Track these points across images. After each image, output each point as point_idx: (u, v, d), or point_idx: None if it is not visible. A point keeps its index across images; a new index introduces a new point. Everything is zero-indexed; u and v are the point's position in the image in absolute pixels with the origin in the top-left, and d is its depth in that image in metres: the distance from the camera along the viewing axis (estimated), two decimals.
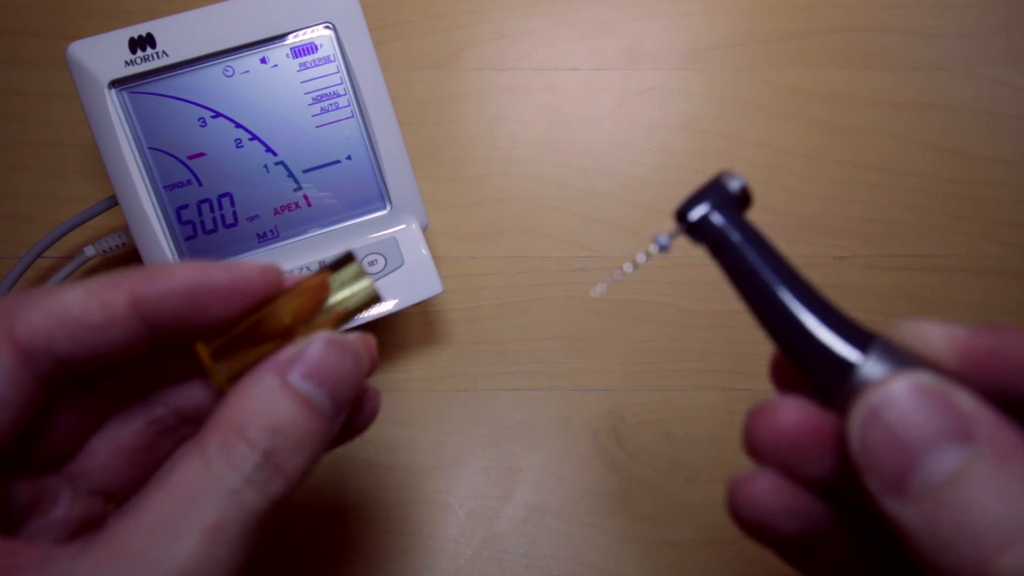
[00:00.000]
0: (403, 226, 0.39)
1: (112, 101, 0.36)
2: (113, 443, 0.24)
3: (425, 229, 0.40)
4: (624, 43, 0.49)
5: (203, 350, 0.22)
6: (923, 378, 0.17)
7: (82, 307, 0.20)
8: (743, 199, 0.22)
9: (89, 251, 0.41)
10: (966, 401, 0.17)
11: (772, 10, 0.49)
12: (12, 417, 0.20)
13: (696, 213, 0.21)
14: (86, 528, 0.23)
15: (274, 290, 0.22)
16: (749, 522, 0.20)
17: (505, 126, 0.47)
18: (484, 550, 0.40)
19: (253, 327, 0.22)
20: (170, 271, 0.21)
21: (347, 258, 0.23)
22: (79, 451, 0.24)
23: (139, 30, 0.36)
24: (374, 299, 0.23)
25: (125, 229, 0.40)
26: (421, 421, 0.42)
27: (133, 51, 0.35)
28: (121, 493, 0.24)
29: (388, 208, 0.39)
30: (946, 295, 0.45)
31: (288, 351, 0.21)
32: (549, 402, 0.43)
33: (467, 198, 0.46)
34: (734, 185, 0.22)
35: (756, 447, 0.20)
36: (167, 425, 0.25)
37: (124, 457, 0.24)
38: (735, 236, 0.21)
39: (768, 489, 0.20)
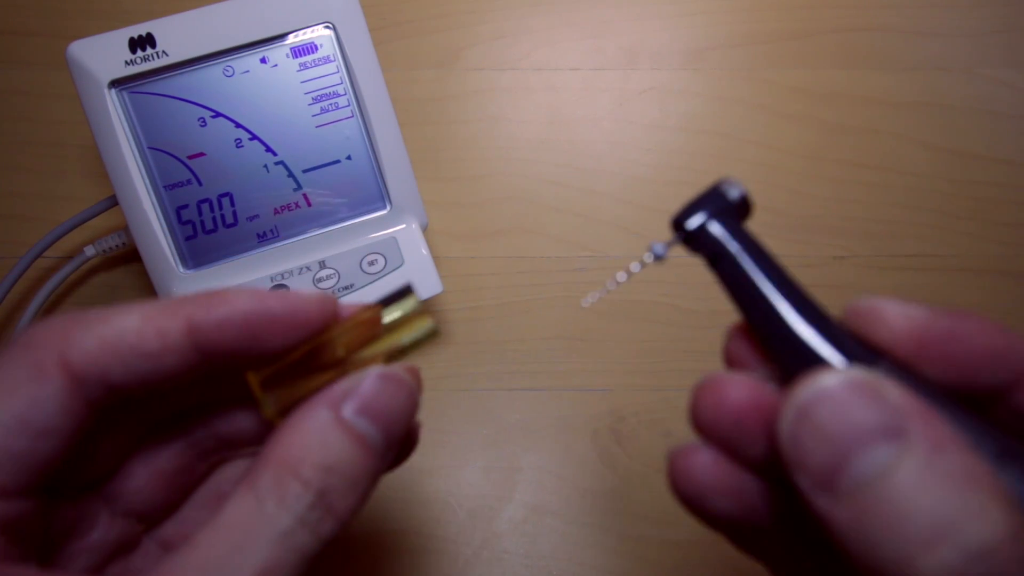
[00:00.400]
0: (403, 226, 0.39)
1: (112, 101, 0.36)
2: (151, 465, 0.24)
3: (425, 229, 0.40)
4: (624, 43, 0.49)
5: (254, 380, 0.21)
6: (853, 374, 0.17)
7: (138, 334, 0.20)
8: (743, 208, 0.21)
9: (89, 251, 0.41)
10: (896, 395, 0.16)
11: (772, 10, 0.49)
12: (62, 444, 0.19)
13: (693, 222, 0.21)
14: (121, 551, 0.23)
15: (330, 321, 0.22)
16: (685, 496, 0.20)
17: (505, 126, 0.47)
18: (484, 550, 0.40)
19: (305, 357, 0.22)
20: (228, 299, 0.21)
21: (406, 291, 0.23)
22: (117, 472, 0.23)
23: (139, 30, 0.36)
24: (431, 333, 0.23)
25: (125, 229, 0.40)
26: (421, 421, 0.42)
27: (133, 51, 0.35)
28: (156, 514, 0.24)
29: (388, 208, 0.39)
30: (946, 295, 0.45)
31: (341, 385, 0.21)
32: (549, 402, 0.43)
33: (467, 198, 0.46)
34: (733, 193, 0.21)
35: (700, 423, 0.20)
36: (205, 448, 0.25)
37: (161, 479, 0.24)
38: (733, 246, 0.20)
39: (705, 464, 0.20)
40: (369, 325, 0.22)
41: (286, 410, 0.21)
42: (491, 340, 0.43)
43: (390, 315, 0.23)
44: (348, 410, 0.20)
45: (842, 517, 0.16)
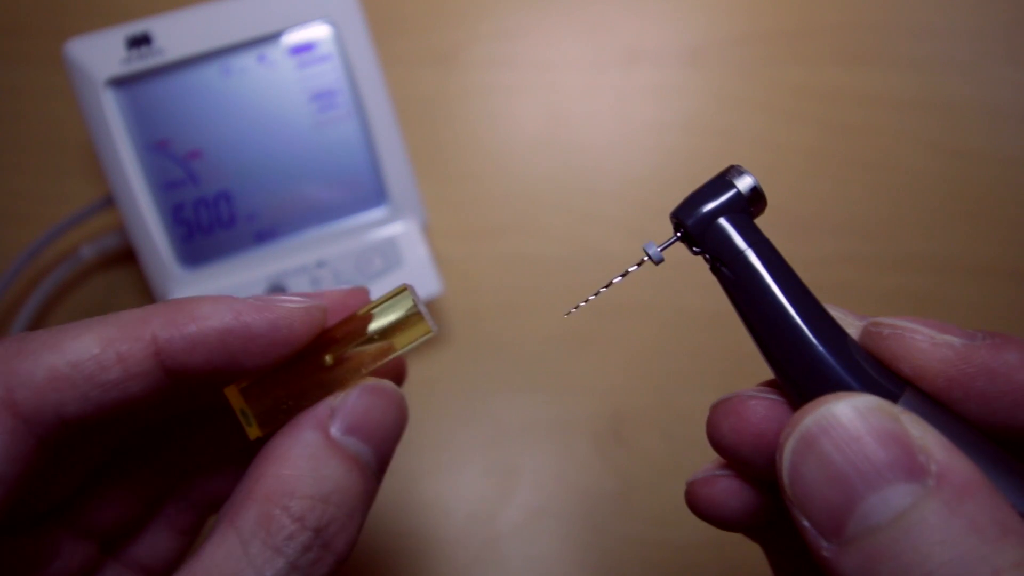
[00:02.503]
0: (402, 225, 0.39)
1: (109, 99, 0.35)
2: (114, 484, 0.22)
3: (425, 228, 0.39)
4: (624, 41, 0.49)
5: (233, 394, 0.19)
6: (868, 400, 0.15)
7: (96, 361, 0.17)
8: (754, 201, 0.18)
9: (85, 251, 0.40)
10: (919, 429, 0.14)
11: (772, 8, 0.49)
12: (8, 489, 0.17)
13: (696, 217, 0.18)
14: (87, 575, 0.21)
15: (318, 332, 0.19)
16: (709, 520, 0.20)
17: (505, 124, 0.47)
18: (484, 552, 0.40)
19: (289, 365, 0.20)
20: (199, 312, 0.18)
21: (402, 291, 0.21)
22: (78, 496, 0.21)
23: (136, 28, 0.35)
24: (425, 332, 0.21)
25: (121, 228, 0.40)
26: (420, 422, 0.42)
27: (130, 49, 0.35)
28: (122, 534, 0.22)
29: (387, 207, 0.39)
30: (946, 295, 0.45)
31: (326, 403, 0.19)
32: (549, 403, 0.42)
33: (467, 197, 0.46)
34: (744, 184, 0.18)
35: (720, 444, 0.19)
36: (174, 462, 0.23)
37: (126, 497, 0.22)
38: (742, 247, 0.18)
39: (726, 491, 0.19)
40: (359, 325, 0.20)
41: (270, 426, 0.19)
42: (491, 340, 0.43)
43: (384, 318, 0.20)
44: (337, 429, 0.18)
45: (848, 566, 0.14)
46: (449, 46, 0.48)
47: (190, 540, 0.24)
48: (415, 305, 0.20)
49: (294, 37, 0.37)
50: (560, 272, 0.44)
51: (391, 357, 0.20)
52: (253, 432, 0.19)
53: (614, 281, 0.20)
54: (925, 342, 0.17)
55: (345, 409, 0.19)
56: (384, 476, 0.19)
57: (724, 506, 0.19)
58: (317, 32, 0.37)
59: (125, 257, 0.43)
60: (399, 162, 0.38)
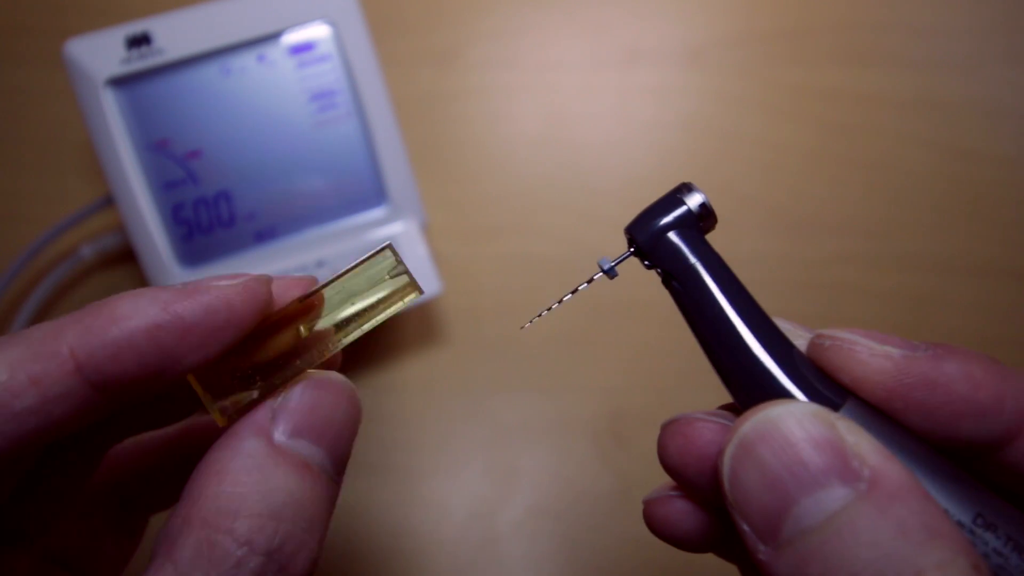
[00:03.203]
0: (402, 225, 0.39)
1: (108, 99, 0.35)
2: (75, 505, 0.20)
3: (424, 228, 0.40)
4: (624, 41, 0.49)
5: (195, 381, 0.17)
6: (805, 407, 0.15)
7: (5, 390, 0.15)
8: (704, 218, 0.19)
9: (85, 251, 0.40)
10: (852, 436, 0.15)
11: (771, 7, 0.49)
12: None
13: (647, 233, 0.19)
14: None
15: (264, 309, 0.18)
16: (666, 539, 0.19)
17: (505, 124, 0.47)
18: (483, 551, 0.40)
19: (257, 339, 0.18)
20: (118, 312, 0.16)
21: (382, 250, 0.19)
22: (35, 520, 0.19)
23: (136, 27, 0.35)
24: (411, 293, 0.19)
25: (121, 228, 0.40)
26: (420, 422, 0.42)
27: (130, 49, 0.35)
28: (87, 556, 0.21)
29: (387, 207, 0.39)
30: (946, 295, 0.45)
31: (267, 404, 0.17)
32: (548, 402, 0.42)
33: (467, 197, 0.46)
34: (694, 201, 0.19)
35: (668, 465, 0.19)
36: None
37: (89, 519, 0.20)
38: (691, 262, 0.18)
39: (680, 512, 0.19)
40: (338, 294, 0.19)
41: (243, 413, 0.17)
42: (490, 340, 0.43)
43: (365, 280, 0.19)
44: (281, 433, 0.16)
45: (781, 569, 0.14)
46: (449, 46, 0.48)
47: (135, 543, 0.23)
48: (399, 263, 0.19)
49: (294, 37, 0.37)
50: (560, 272, 0.44)
51: (375, 322, 0.19)
52: (224, 422, 0.17)
53: (580, 288, 0.20)
54: (864, 353, 0.17)
55: (288, 409, 0.17)
56: (343, 477, 0.18)
57: (677, 527, 0.19)
58: (317, 32, 0.37)
59: (125, 257, 0.43)
60: (399, 162, 0.38)
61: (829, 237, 0.45)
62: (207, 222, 0.37)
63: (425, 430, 0.42)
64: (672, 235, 0.19)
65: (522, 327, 0.21)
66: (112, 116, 0.35)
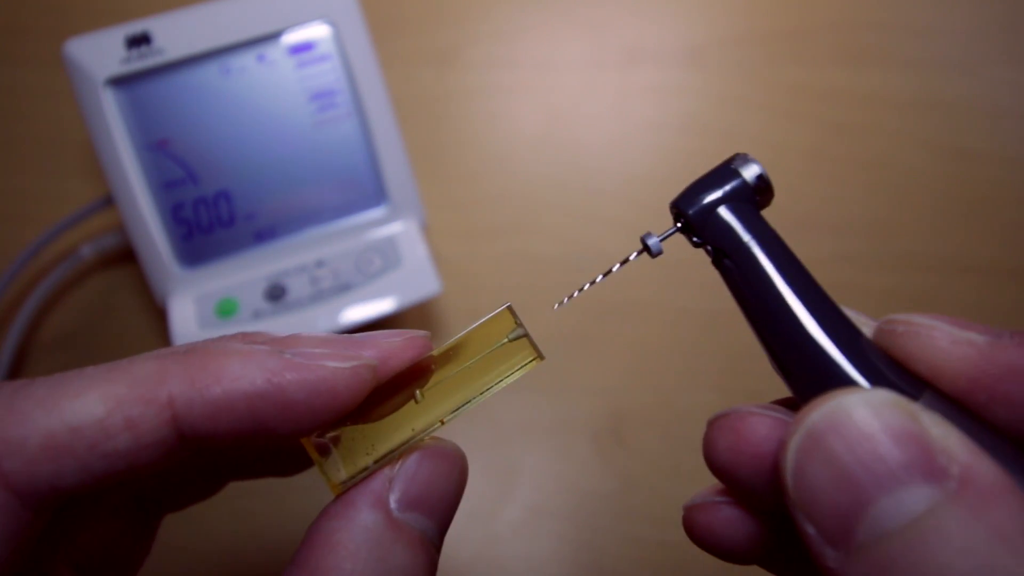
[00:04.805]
0: (402, 225, 0.39)
1: (108, 99, 0.35)
2: (102, 531, 0.20)
3: (424, 228, 0.39)
4: (624, 41, 0.49)
5: (310, 444, 0.17)
6: (883, 395, 0.13)
7: (101, 427, 0.14)
8: (761, 191, 0.17)
9: (85, 251, 0.40)
10: (938, 428, 0.13)
11: (771, 7, 0.49)
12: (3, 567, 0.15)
13: (697, 207, 0.17)
14: None
15: (367, 392, 0.17)
16: (709, 549, 0.18)
17: (505, 124, 0.47)
18: (483, 551, 0.40)
19: (373, 403, 0.17)
20: (226, 372, 0.15)
21: (504, 316, 0.18)
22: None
23: (136, 27, 0.35)
24: (530, 359, 0.18)
25: (121, 228, 0.40)
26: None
27: (130, 48, 0.35)
28: (95, 558, 0.21)
29: (386, 207, 0.39)
30: (945, 295, 0.45)
31: (383, 474, 0.17)
32: (548, 402, 0.42)
33: (467, 197, 0.46)
34: (750, 172, 0.17)
35: (716, 464, 0.17)
36: (167, 504, 0.21)
37: (114, 543, 0.20)
38: (747, 239, 0.16)
39: (727, 520, 0.17)
40: (428, 369, 0.18)
41: (356, 478, 0.17)
42: None
43: (483, 343, 0.18)
44: (398, 505, 0.16)
45: None
46: (449, 46, 0.48)
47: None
48: (518, 326, 0.18)
49: (293, 37, 0.37)
50: (559, 271, 0.44)
51: (493, 390, 0.18)
52: (337, 487, 0.17)
53: (613, 269, 0.18)
54: (944, 340, 0.15)
55: (406, 480, 0.16)
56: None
57: (724, 536, 0.17)
58: (316, 32, 0.37)
59: (125, 257, 0.43)
60: (398, 162, 0.38)
61: (828, 237, 0.45)
62: (207, 222, 0.37)
63: None
64: (724, 209, 0.17)
65: (555, 307, 0.19)
66: (112, 116, 0.35)
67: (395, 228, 0.38)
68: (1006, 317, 0.44)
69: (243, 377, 0.15)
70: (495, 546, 0.40)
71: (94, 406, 0.15)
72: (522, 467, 0.41)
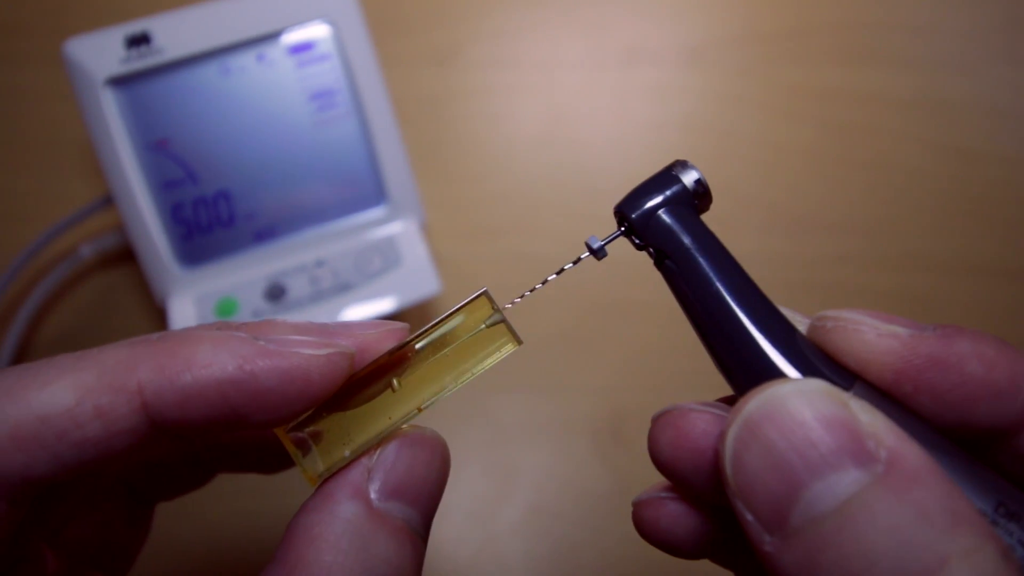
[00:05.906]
0: (401, 225, 0.39)
1: (108, 99, 0.35)
2: (93, 522, 0.20)
3: (424, 228, 0.39)
4: (624, 41, 0.49)
5: (285, 436, 0.17)
6: (815, 384, 0.14)
7: (70, 416, 0.14)
8: (699, 196, 0.18)
9: (85, 250, 0.40)
10: (867, 415, 0.13)
11: (770, 8, 0.49)
12: None
13: (639, 211, 0.18)
14: None
15: (342, 379, 0.17)
16: (658, 545, 0.18)
17: (505, 124, 0.47)
18: (483, 551, 0.40)
19: (349, 393, 0.17)
20: (196, 359, 0.15)
21: (480, 299, 0.18)
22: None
23: (136, 27, 0.35)
24: (507, 345, 0.18)
25: (120, 228, 0.40)
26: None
27: (129, 48, 0.35)
28: (109, 560, 0.21)
29: (386, 206, 0.39)
30: (945, 295, 0.44)
31: (362, 463, 0.16)
32: (548, 402, 0.42)
33: (467, 197, 0.46)
34: (688, 178, 0.18)
35: (659, 460, 0.17)
36: (152, 494, 0.21)
37: (106, 533, 0.20)
38: (686, 241, 0.17)
39: (673, 515, 0.17)
40: (405, 357, 0.18)
41: (332, 470, 0.17)
42: None
43: (459, 330, 0.18)
44: (378, 494, 0.16)
45: (790, 561, 0.13)
46: (449, 46, 0.48)
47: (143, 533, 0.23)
48: (495, 312, 0.18)
49: (293, 36, 0.37)
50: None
51: (471, 375, 0.18)
52: (313, 477, 0.17)
53: (566, 268, 0.19)
54: (870, 333, 0.16)
55: (385, 469, 0.16)
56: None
57: (670, 531, 0.18)
58: (316, 31, 0.37)
59: (124, 256, 0.43)
60: (398, 161, 0.38)
61: (828, 237, 0.45)
62: (206, 222, 0.37)
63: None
64: (664, 213, 0.18)
65: (507, 306, 0.19)
66: (112, 116, 0.35)
67: (395, 228, 0.38)
68: (1006, 317, 0.44)
69: (214, 364, 0.15)
70: (495, 546, 0.40)
71: (63, 395, 0.14)
72: (521, 467, 0.41)
